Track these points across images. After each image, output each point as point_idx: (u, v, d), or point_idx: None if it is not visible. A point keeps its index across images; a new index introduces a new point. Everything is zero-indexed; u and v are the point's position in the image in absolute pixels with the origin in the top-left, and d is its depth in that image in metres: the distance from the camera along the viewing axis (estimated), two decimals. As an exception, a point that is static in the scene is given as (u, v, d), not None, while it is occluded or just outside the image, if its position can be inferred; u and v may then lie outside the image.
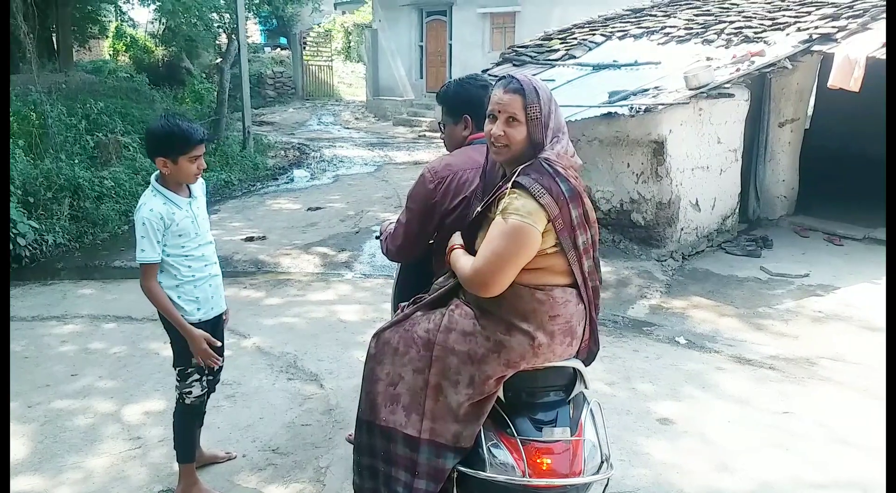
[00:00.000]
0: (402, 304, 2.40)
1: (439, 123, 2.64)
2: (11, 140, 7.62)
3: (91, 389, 3.83)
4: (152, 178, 2.67)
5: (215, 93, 13.32)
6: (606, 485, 2.18)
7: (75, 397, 3.73)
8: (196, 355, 2.66)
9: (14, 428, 3.40)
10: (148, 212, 2.58)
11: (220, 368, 2.93)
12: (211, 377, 2.85)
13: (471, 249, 2.11)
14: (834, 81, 5.72)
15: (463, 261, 2.08)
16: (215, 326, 2.82)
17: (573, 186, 2.00)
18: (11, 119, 8.15)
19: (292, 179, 10.90)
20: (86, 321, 4.87)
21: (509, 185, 1.98)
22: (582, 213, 2.03)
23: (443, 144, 2.65)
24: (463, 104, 2.49)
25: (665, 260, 6.10)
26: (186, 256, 2.68)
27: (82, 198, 7.33)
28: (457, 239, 2.17)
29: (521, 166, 2.00)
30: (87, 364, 4.15)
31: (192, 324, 2.67)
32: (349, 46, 26.10)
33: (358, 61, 24.46)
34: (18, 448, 3.23)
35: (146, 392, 3.77)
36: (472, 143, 2.46)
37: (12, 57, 12.31)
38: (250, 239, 7.08)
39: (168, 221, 2.60)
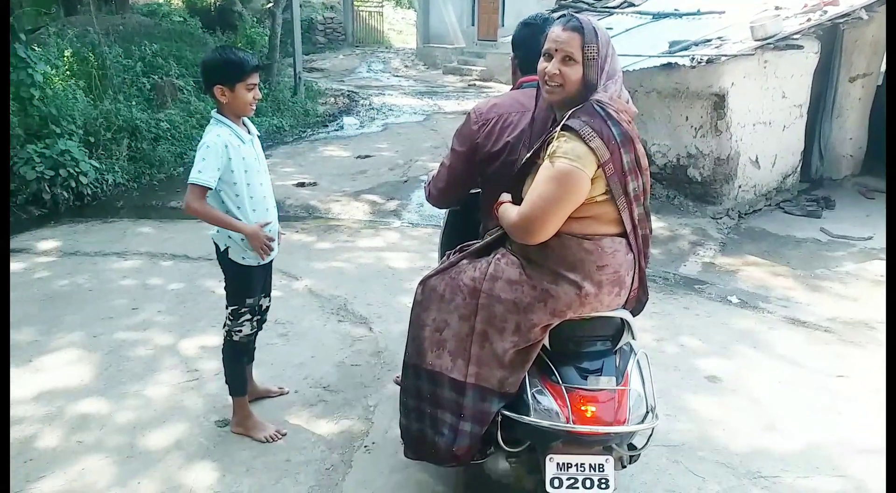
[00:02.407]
0: (449, 252, 2.41)
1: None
2: (73, 81, 7.81)
3: (150, 322, 4.00)
4: (213, 112, 2.68)
5: (267, 38, 13.32)
6: (650, 436, 2.18)
7: (136, 330, 3.90)
8: (254, 250, 2.67)
9: (80, 355, 3.59)
10: (215, 137, 2.57)
11: (268, 307, 3.02)
12: (259, 317, 2.93)
13: (518, 198, 2.07)
14: (914, 33, 5.36)
15: (510, 211, 2.06)
16: (267, 270, 2.90)
17: (625, 130, 1.93)
18: (71, 60, 8.34)
19: (342, 127, 10.93)
20: (144, 258, 5.05)
21: (558, 128, 1.94)
22: (634, 159, 1.97)
23: (492, 93, 2.61)
24: (512, 46, 2.47)
25: (721, 218, 5.94)
26: (251, 197, 2.67)
27: (140, 139, 7.53)
28: (505, 196, 2.14)
29: (572, 109, 1.95)
30: (147, 299, 4.32)
31: (248, 267, 2.73)
32: (400, -8, 25.66)
33: (408, 7, 24.07)
34: (85, 374, 3.41)
35: (202, 328, 3.92)
36: (522, 85, 2.40)
37: (70, 0, 12.52)
38: (301, 185, 7.19)
39: (232, 152, 2.59)
